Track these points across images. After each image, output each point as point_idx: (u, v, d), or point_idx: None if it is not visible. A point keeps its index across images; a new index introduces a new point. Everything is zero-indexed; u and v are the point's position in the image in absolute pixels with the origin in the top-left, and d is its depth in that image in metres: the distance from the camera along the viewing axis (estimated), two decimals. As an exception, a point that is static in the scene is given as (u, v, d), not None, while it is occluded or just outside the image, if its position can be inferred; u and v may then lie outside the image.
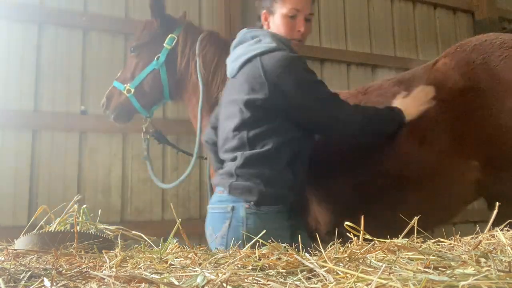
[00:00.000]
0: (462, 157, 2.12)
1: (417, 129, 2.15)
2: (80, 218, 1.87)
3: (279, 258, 1.11)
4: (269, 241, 1.35)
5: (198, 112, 2.78)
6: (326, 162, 2.33)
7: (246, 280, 0.92)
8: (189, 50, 2.87)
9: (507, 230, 1.32)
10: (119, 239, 1.71)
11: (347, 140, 2.30)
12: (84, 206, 2.04)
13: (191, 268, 1.07)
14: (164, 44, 2.90)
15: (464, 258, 1.02)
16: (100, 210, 1.95)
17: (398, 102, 2.22)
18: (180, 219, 1.49)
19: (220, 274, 0.93)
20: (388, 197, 2.22)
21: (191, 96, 2.92)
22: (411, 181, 2.18)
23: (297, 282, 0.90)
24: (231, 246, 1.64)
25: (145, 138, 3.06)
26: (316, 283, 0.89)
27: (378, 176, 2.22)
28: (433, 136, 2.13)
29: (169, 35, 2.91)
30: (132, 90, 2.90)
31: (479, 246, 1.15)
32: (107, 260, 1.17)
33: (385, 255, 1.08)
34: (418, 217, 1.35)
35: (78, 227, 1.59)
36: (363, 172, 2.26)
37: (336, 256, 1.09)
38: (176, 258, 1.25)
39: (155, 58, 2.89)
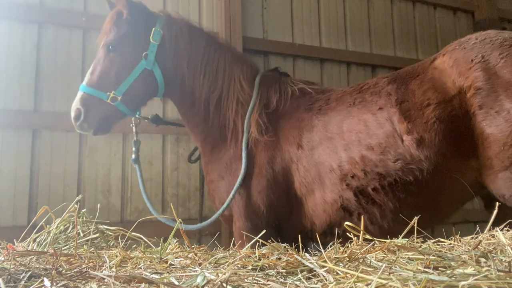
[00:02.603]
0: (460, 157, 2.09)
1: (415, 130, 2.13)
2: (81, 219, 1.87)
3: (279, 258, 1.11)
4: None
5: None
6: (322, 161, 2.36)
7: (246, 280, 0.92)
8: (175, 46, 2.64)
9: (507, 230, 1.32)
10: (119, 239, 1.71)
11: (343, 141, 2.33)
12: (84, 210, 2.05)
13: (191, 268, 1.07)
14: (151, 40, 2.58)
15: (464, 258, 1.02)
16: (98, 211, 1.95)
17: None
18: (180, 219, 1.49)
19: (220, 274, 0.93)
20: (388, 198, 2.21)
21: (184, 98, 2.74)
22: (409, 182, 2.15)
23: (297, 282, 0.90)
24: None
25: (136, 140, 2.83)
26: (316, 283, 0.89)
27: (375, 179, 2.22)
28: (430, 137, 2.10)
29: (153, 29, 2.60)
30: (119, 98, 2.53)
31: (479, 246, 1.15)
32: (107, 260, 1.16)
33: (385, 255, 1.08)
34: (418, 216, 1.35)
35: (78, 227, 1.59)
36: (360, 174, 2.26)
37: (336, 256, 1.09)
38: (176, 258, 1.25)
39: (142, 57, 2.56)
